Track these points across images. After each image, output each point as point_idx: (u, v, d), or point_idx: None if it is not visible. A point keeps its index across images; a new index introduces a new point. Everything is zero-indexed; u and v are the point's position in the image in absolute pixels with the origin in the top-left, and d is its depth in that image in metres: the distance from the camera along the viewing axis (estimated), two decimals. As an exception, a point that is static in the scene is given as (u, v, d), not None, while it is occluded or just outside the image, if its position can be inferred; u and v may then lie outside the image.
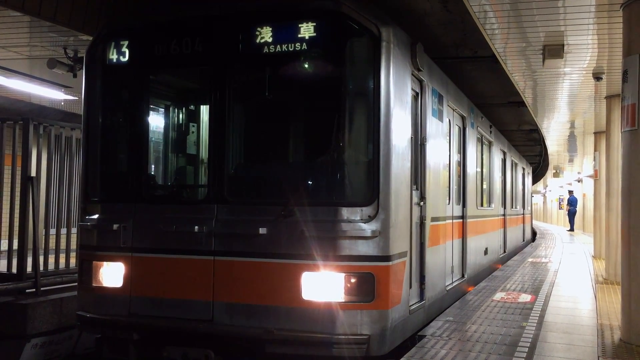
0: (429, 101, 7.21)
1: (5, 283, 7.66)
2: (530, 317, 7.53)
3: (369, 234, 5.44)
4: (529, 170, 23.88)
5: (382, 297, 5.46)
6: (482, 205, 11.91)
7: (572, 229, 32.68)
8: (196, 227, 5.78)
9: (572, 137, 19.63)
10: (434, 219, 7.41)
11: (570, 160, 28.66)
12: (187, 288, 5.82)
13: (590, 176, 28.53)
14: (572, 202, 32.57)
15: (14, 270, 7.93)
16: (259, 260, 5.63)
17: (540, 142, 21.08)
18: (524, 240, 20.89)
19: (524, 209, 20.89)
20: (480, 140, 11.84)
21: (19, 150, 7.99)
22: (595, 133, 16.66)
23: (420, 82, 6.90)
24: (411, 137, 6.44)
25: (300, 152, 6.53)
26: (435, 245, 7.50)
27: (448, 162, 8.69)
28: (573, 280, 11.39)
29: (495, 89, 12.86)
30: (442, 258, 8.01)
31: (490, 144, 13.10)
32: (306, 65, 5.93)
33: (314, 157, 6.24)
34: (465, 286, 9.59)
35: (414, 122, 6.70)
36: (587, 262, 14.97)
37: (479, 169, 11.60)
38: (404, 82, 6.11)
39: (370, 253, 5.47)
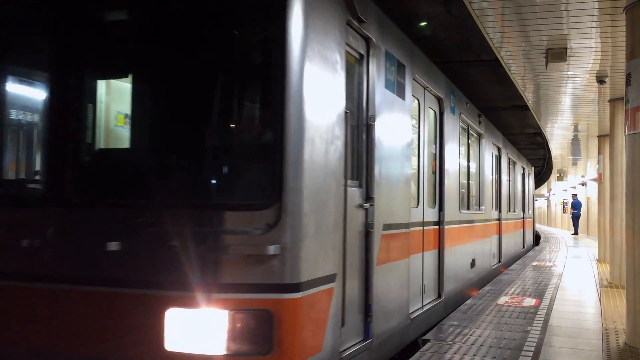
0: (381, 68, 5.49)
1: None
2: (535, 321, 7.51)
3: (266, 250, 3.72)
4: (530, 170, 22.05)
5: (286, 345, 3.74)
6: (467, 208, 10.19)
7: (576, 233, 32.66)
8: (25, 241, 4.13)
9: (575, 141, 19.62)
10: (388, 227, 5.70)
11: (574, 164, 28.64)
12: (8, 330, 4.18)
13: (594, 179, 28.52)
14: (576, 206, 32.56)
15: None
16: (104, 290, 3.98)
17: (544, 145, 21.07)
18: (524, 247, 19.35)
19: (524, 212, 19.46)
20: (466, 130, 10.17)
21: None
22: (599, 136, 16.64)
23: (366, 40, 5.20)
24: (346, 113, 4.60)
25: (169, 133, 4.45)
26: (390, 261, 5.76)
27: (417, 153, 7.08)
28: (577, 284, 11.36)
29: (499, 93, 12.89)
30: (404, 277, 6.21)
31: (479, 136, 11.42)
32: (177, 6, 4.30)
33: (187, 139, 4.31)
34: (442, 309, 7.94)
35: (355, 93, 5.11)
36: (591, 266, 14.93)
37: (463, 165, 9.85)
38: (330, 33, 4.35)
39: (267, 280, 3.75)
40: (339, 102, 4.51)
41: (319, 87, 4.15)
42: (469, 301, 8.97)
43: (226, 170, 4.20)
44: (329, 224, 4.30)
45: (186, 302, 3.77)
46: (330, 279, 4.29)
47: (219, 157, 4.16)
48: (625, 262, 6.68)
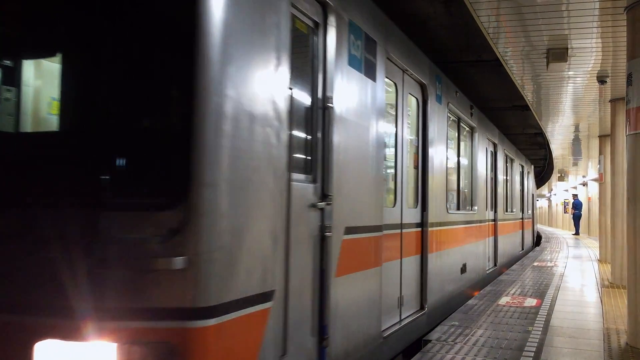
0: (343, 40, 4.62)
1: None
2: (536, 322, 7.50)
3: (169, 264, 2.87)
4: (529, 169, 21.03)
5: None
6: (457, 208, 9.36)
7: (577, 233, 32.67)
8: None
9: (576, 141, 19.62)
10: (353, 230, 4.86)
11: (575, 164, 28.64)
12: None
13: (595, 179, 28.52)
14: (577, 206, 32.57)
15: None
16: None
17: (545, 145, 21.06)
18: (523, 249, 18.39)
19: (523, 212, 18.51)
20: (456, 123, 9.33)
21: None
22: (600, 136, 16.63)
23: (323, 5, 4.36)
24: (290, 90, 3.81)
25: (47, 116, 3.63)
26: (355, 271, 4.95)
27: (394, 145, 6.29)
28: (579, 284, 11.36)
29: (500, 93, 12.89)
30: (374, 289, 5.37)
31: (472, 130, 10.59)
32: None
33: (69, 122, 3.42)
34: (425, 321, 7.05)
35: (308, 68, 4.29)
36: (592, 266, 14.93)
37: (452, 161, 9.03)
38: None
39: (170, 304, 2.91)
40: (280, 77, 3.64)
41: (247, 54, 3.29)
42: (470, 301, 8.96)
43: (119, 161, 3.19)
44: (262, 228, 3.44)
45: (62, 332, 2.90)
46: (264, 297, 3.40)
47: (109, 142, 3.20)
48: (627, 262, 6.67)
